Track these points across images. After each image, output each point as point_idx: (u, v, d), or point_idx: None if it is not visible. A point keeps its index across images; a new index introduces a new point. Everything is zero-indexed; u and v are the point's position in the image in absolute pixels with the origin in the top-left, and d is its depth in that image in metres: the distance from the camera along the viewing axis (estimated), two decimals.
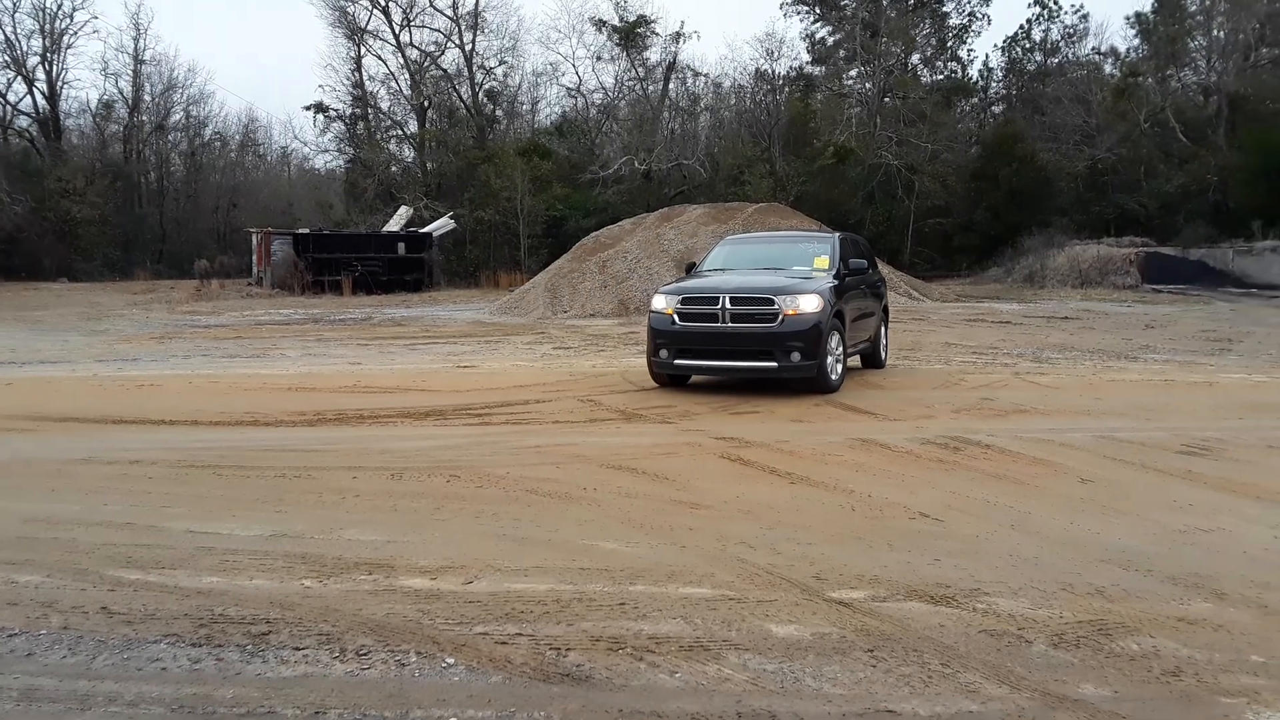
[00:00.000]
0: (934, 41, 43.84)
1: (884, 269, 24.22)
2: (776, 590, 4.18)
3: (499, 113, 45.03)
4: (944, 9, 43.72)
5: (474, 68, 42.81)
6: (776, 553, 4.68)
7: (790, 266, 10.17)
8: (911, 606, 4.01)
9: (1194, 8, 39.13)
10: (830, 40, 45.17)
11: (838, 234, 11.36)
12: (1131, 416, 8.29)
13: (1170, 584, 4.24)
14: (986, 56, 52.32)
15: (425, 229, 34.88)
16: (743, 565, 4.49)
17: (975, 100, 45.91)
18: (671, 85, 42.52)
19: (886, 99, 38.93)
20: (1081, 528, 5.06)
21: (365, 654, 3.51)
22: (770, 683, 3.30)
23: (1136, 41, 41.50)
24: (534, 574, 4.35)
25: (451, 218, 35.77)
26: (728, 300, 9.03)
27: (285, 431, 7.82)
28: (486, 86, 43.92)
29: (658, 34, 41.47)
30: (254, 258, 34.60)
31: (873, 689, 3.27)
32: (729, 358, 9.18)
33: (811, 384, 9.21)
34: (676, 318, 9.19)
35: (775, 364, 8.92)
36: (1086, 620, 3.85)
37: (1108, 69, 41.68)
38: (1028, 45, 45.91)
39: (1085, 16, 44.55)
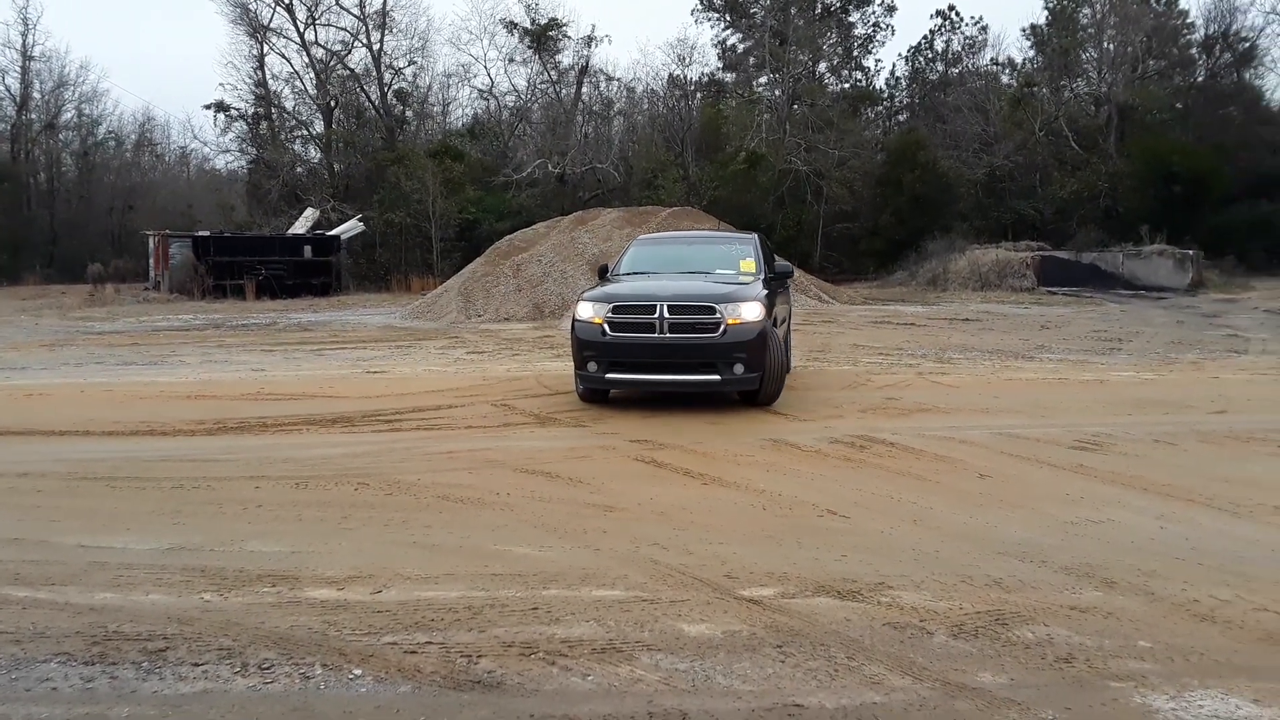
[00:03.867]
0: (840, 50, 44.85)
1: (795, 272, 24.67)
2: (689, 590, 4.22)
3: (409, 114, 44.25)
4: (850, 19, 44.80)
5: (382, 68, 42.00)
6: (689, 553, 4.72)
7: (714, 270, 9.63)
8: (819, 602, 4.09)
9: (1085, 21, 40.95)
10: (740, 47, 45.82)
11: (755, 235, 10.96)
12: (1027, 414, 8.62)
13: (1063, 574, 4.43)
14: (892, 66, 53.75)
15: (333, 231, 34.09)
16: (656, 566, 4.52)
17: (880, 108, 47.15)
18: (585, 89, 42.50)
19: (795, 106, 39.61)
20: (980, 521, 5.24)
21: (268, 668, 3.42)
22: (682, 682, 3.33)
23: (1032, 53, 43.24)
24: (445, 581, 4.30)
25: (360, 220, 35.04)
26: (666, 309, 8.28)
27: (184, 441, 7.55)
28: (395, 87, 43.11)
29: (570, 37, 41.39)
30: (151, 261, 33.26)
31: (781, 684, 3.33)
32: (667, 370, 8.43)
33: (752, 396, 8.70)
34: (607, 327, 8.37)
35: (719, 376, 8.29)
36: (985, 611, 3.99)
37: (1005, 79, 43.28)
38: (930, 55, 47.45)
39: (984, 28, 46.25)
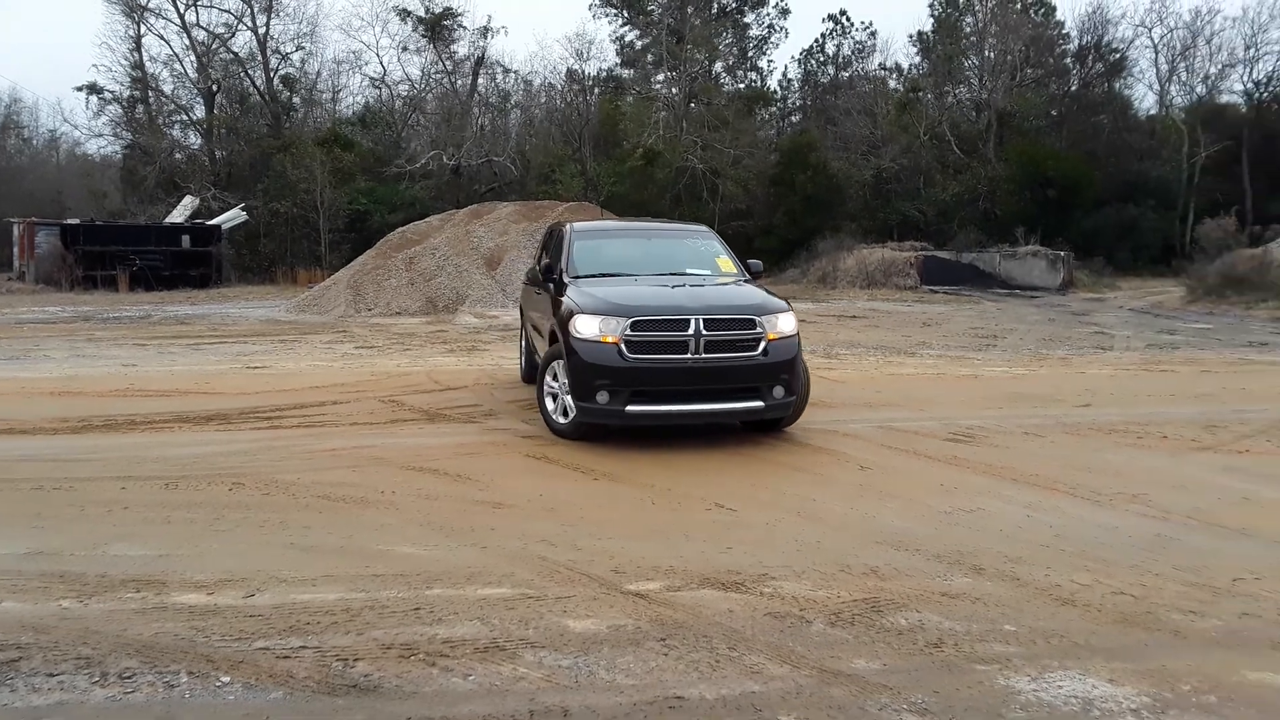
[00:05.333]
0: (736, 51, 45.53)
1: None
2: (576, 586, 4.21)
3: (296, 100, 42.80)
4: (745, 20, 45.53)
5: (268, 52, 40.53)
6: (577, 549, 4.71)
7: (685, 269, 8.28)
8: (704, 594, 4.14)
9: (968, 29, 42.63)
10: (639, 44, 45.99)
11: (709, 228, 9.56)
12: (907, 407, 8.92)
13: (936, 561, 4.59)
14: (784, 68, 54.92)
15: (213, 221, 32.74)
16: (543, 563, 4.50)
17: (774, 109, 48.05)
18: (481, 80, 41.90)
19: (692, 104, 40.02)
20: (860, 512, 5.39)
21: (129, 677, 3.25)
22: (565, 678, 3.32)
23: (918, 59, 44.84)
24: (323, 583, 4.18)
25: (243, 209, 33.72)
26: (702, 324, 6.79)
27: (45, 440, 7.13)
28: (282, 72, 41.61)
29: (465, 27, 40.74)
30: (15, 250, 31.33)
31: (663, 677, 3.35)
32: (704, 399, 6.91)
33: (773, 424, 7.48)
34: (625, 348, 6.73)
35: (762, 403, 6.97)
36: (861, 598, 4.11)
37: (892, 84, 44.68)
38: (821, 58, 48.61)
39: (874, 33, 47.69)
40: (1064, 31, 42.73)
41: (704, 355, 6.79)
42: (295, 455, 6.59)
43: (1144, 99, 43.91)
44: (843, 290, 29.01)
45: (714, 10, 43.80)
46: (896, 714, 3.12)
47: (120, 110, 41.34)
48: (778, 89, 48.56)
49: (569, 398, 7.07)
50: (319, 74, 43.63)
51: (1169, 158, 36.50)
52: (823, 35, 48.12)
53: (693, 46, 40.72)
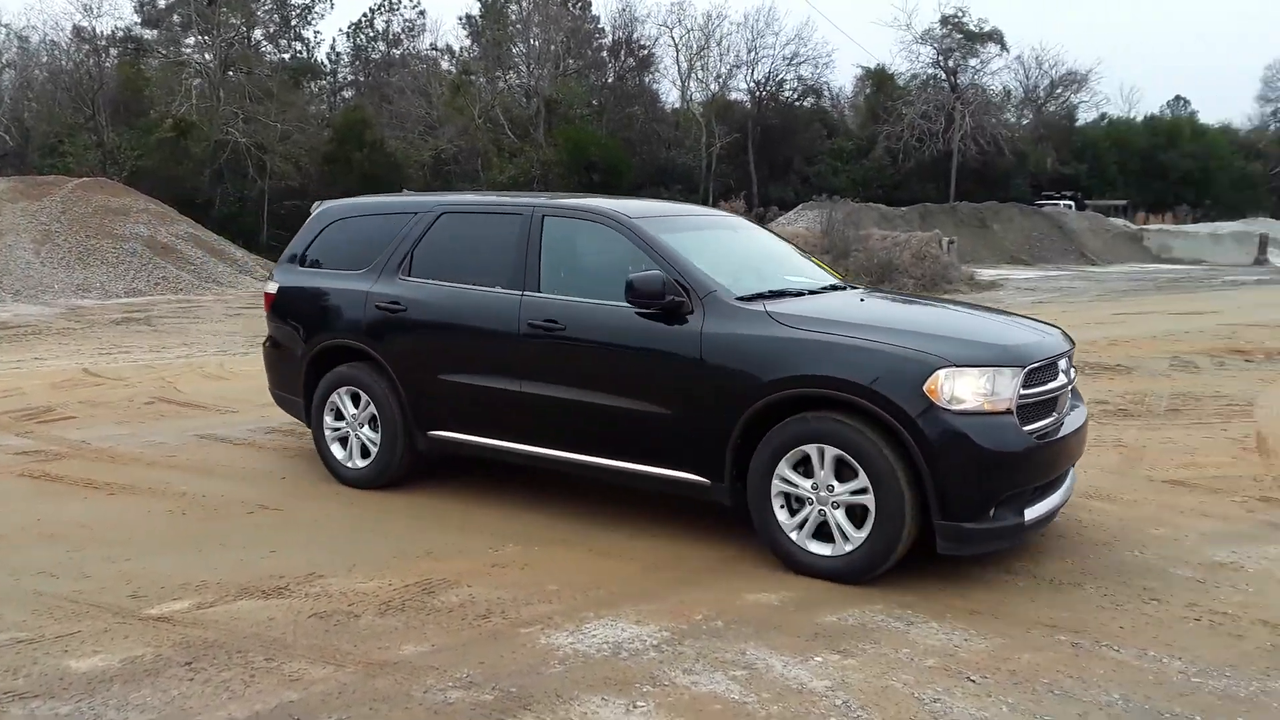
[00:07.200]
0: (277, 18, 42.68)
1: (239, 253, 23.03)
2: (82, 620, 3.66)
3: None
4: None
5: None
6: (86, 577, 4.10)
7: (794, 275, 5.44)
8: (241, 606, 3.82)
9: (514, 16, 44.11)
10: (162, 3, 41.18)
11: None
12: None
13: (488, 535, 4.69)
14: (333, 40, 52.61)
15: None
16: (40, 599, 3.85)
17: (324, 83, 45.97)
18: None
19: (230, 73, 36.85)
20: (420, 498, 5.33)
21: None
22: None
23: (468, 42, 45.53)
24: None
25: None
26: (1068, 365, 4.68)
27: None
28: None
29: None
30: None
31: (187, 705, 3.02)
32: (1062, 478, 4.58)
33: None
34: (1018, 420, 4.13)
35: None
36: (414, 583, 4.06)
37: (445, 65, 44.98)
38: (371, 34, 47.41)
39: (423, 13, 47.54)
40: (599, 26, 46.06)
41: (1065, 414, 4.59)
42: None
43: (670, 93, 48.88)
44: None
45: None
46: (442, 693, 3.11)
47: None
48: (326, 62, 46.54)
49: (870, 514, 4.04)
50: None
51: (691, 147, 41.18)
52: (372, 10, 46.95)
53: (227, 10, 37.42)
